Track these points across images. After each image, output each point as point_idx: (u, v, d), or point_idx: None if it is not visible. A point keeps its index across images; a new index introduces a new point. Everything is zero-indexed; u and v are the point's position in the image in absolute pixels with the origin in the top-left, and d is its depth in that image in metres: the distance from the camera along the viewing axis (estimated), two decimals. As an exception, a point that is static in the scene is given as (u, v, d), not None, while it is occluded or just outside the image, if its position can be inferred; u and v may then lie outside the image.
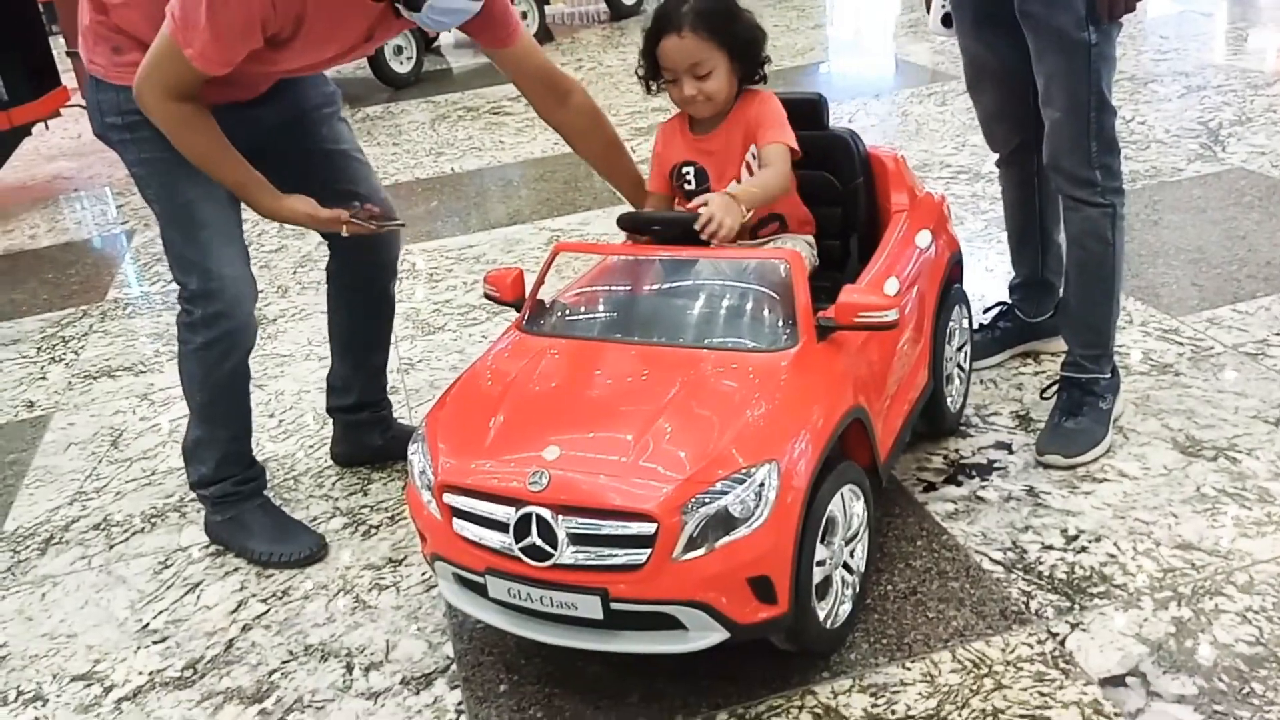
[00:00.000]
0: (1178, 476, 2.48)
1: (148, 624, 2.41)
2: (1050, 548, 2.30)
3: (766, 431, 1.87)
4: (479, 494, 1.90)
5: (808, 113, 2.56)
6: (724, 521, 1.80)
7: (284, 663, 2.24)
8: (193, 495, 2.88)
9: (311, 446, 3.07)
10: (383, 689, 2.13)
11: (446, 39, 8.95)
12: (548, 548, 1.82)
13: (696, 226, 2.13)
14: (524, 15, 8.38)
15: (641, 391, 1.98)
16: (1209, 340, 3.03)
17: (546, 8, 8.67)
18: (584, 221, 4.57)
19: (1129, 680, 1.94)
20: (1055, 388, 2.72)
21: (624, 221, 2.35)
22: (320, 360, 3.59)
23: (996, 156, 2.93)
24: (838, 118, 2.82)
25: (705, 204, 2.13)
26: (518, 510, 1.84)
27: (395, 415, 2.99)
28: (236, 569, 2.56)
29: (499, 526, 1.87)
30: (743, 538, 1.80)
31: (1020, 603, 2.16)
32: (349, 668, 2.20)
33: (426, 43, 7.79)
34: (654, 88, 2.39)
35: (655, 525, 1.78)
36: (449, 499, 1.94)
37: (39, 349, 3.98)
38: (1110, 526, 2.34)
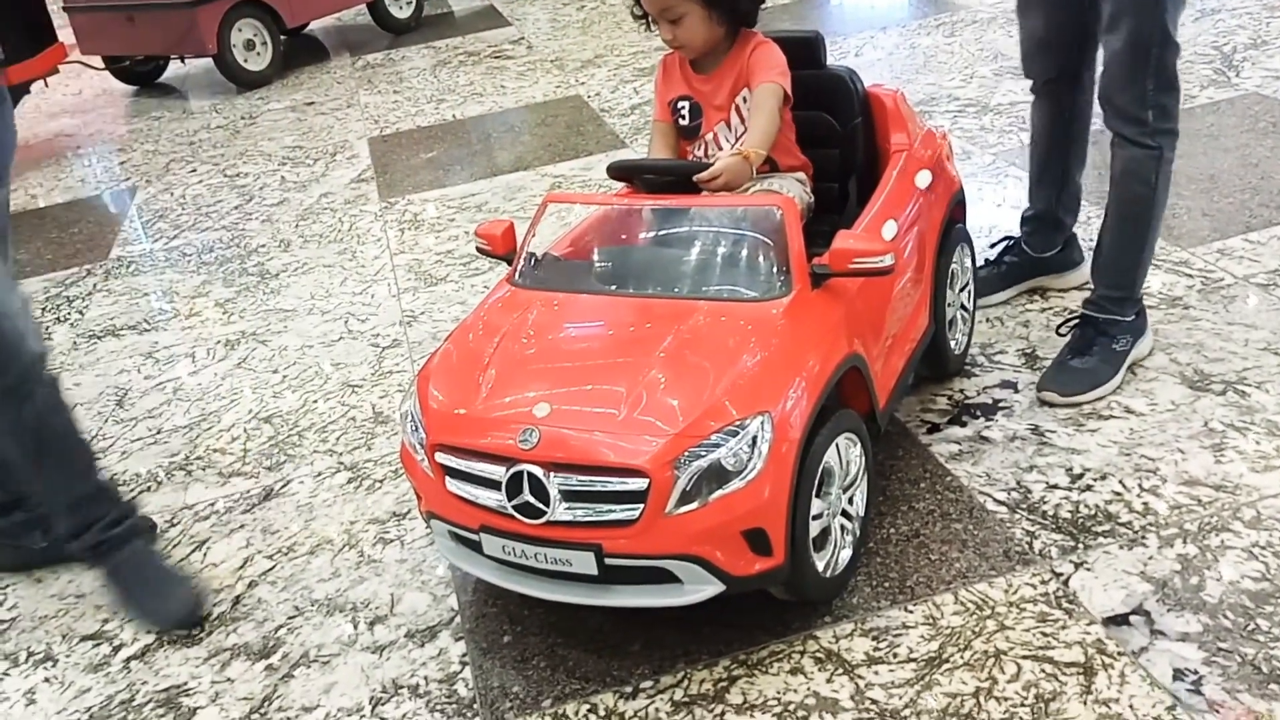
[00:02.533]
0: (1185, 412, 2.45)
1: (155, 583, 2.42)
2: (1055, 487, 2.28)
3: (759, 383, 1.85)
4: (470, 452, 1.89)
5: (804, 52, 2.51)
6: (717, 475, 1.78)
7: (290, 618, 2.25)
8: (199, 453, 2.90)
9: (315, 401, 3.07)
10: (388, 642, 2.14)
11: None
12: (540, 505, 1.82)
13: (703, 176, 2.14)
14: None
15: (633, 344, 1.96)
16: (1219, 272, 2.97)
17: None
18: (586, 167, 4.52)
19: (1133, 619, 1.93)
20: (1072, 323, 2.66)
21: (614, 170, 2.31)
22: (323, 315, 3.58)
23: (1030, 84, 2.83)
24: (844, 52, 2.76)
25: (719, 166, 2.16)
26: (509, 468, 1.83)
27: (395, 370, 2.97)
28: (242, 526, 2.57)
29: (491, 485, 1.87)
30: (736, 491, 1.78)
31: (1024, 543, 2.14)
32: (354, 622, 2.21)
33: (427, -14, 7.68)
34: (649, 24, 2.38)
35: (647, 481, 1.76)
36: (441, 458, 1.93)
37: (44, 309, 3.98)
38: (1116, 464, 2.32)
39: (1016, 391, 2.62)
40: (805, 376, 1.89)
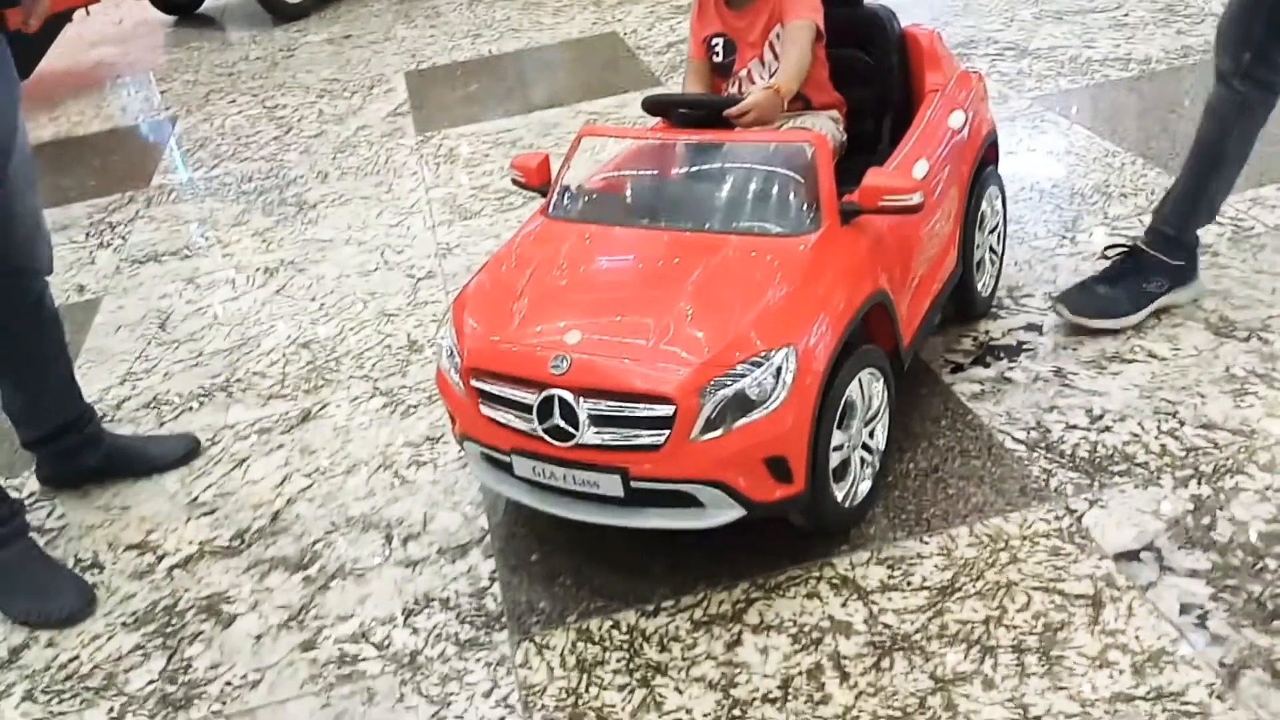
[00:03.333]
0: (1207, 357, 2.47)
1: (197, 497, 2.52)
2: (1074, 427, 2.32)
3: (785, 315, 1.90)
4: (504, 377, 1.95)
5: (842, -12, 2.51)
6: (741, 403, 1.84)
7: (327, 533, 2.34)
8: (239, 375, 2.99)
9: (352, 329, 3.14)
10: (420, 558, 2.23)
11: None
12: (570, 429, 1.88)
13: (733, 111, 2.16)
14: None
15: (662, 276, 2.01)
16: (1250, 220, 2.97)
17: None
18: (621, 104, 4.53)
19: (1143, 555, 1.98)
20: (1120, 249, 2.65)
21: (649, 104, 2.35)
22: (360, 245, 3.65)
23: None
24: (884, -10, 2.74)
25: (751, 102, 2.19)
26: (540, 393, 1.89)
27: (430, 300, 3.02)
28: (281, 446, 2.66)
29: (523, 408, 1.93)
30: (759, 419, 1.84)
31: (1040, 480, 2.19)
32: (388, 538, 2.30)
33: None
34: None
35: (674, 407, 1.82)
36: (475, 383, 2.00)
37: (87, 234, 4.07)
38: (1136, 406, 2.35)
39: (1041, 334, 2.64)
40: (830, 311, 1.93)
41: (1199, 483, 2.12)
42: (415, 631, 2.05)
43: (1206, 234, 2.93)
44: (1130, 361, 2.50)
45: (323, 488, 2.49)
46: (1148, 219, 3.06)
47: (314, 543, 2.32)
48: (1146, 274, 2.57)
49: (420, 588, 2.15)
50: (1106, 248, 2.71)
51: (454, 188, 3.99)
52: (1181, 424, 2.28)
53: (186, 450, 2.63)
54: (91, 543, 2.42)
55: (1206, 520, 2.03)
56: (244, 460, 2.63)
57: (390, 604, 2.13)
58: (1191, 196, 2.55)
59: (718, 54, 2.42)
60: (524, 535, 2.24)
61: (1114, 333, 2.59)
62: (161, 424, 2.82)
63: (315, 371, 2.95)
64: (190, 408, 2.88)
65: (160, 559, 2.34)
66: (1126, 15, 4.59)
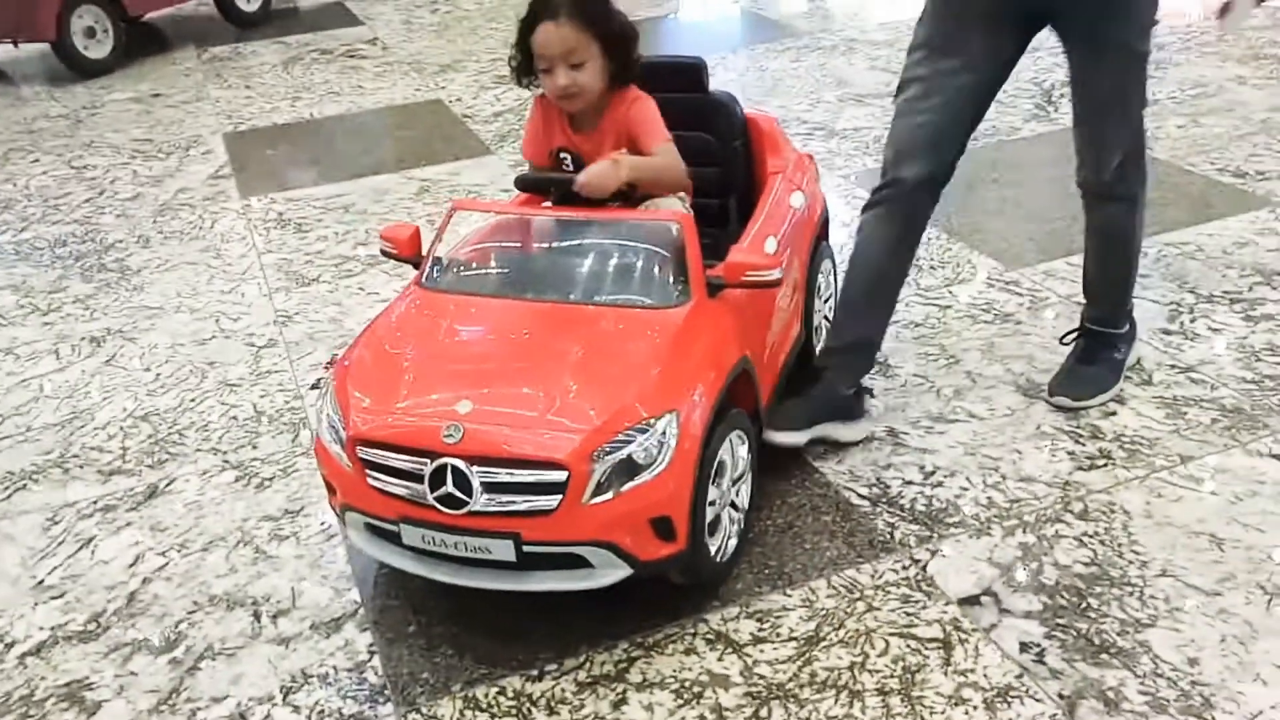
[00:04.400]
0: (1020, 416, 2.74)
1: (42, 580, 2.40)
2: (910, 483, 2.53)
3: (666, 384, 2.02)
4: (394, 447, 1.99)
5: (689, 76, 2.69)
6: (629, 468, 1.94)
7: (190, 613, 2.28)
8: (75, 450, 2.86)
9: (193, 400, 3.06)
10: (293, 634, 2.20)
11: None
12: (463, 496, 1.93)
13: (575, 187, 2.26)
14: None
15: (545, 347, 2.09)
16: (1045, 291, 3.31)
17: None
18: (453, 172, 4.60)
19: (983, 599, 2.17)
20: (1075, 335, 2.84)
21: (522, 183, 2.43)
22: (192, 313, 3.56)
23: (877, 186, 2.55)
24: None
25: (589, 171, 2.28)
26: (433, 462, 1.94)
27: (274, 369, 2.99)
28: (129, 524, 2.57)
29: (413, 477, 1.97)
30: (646, 482, 1.95)
31: (886, 533, 2.37)
32: (256, 615, 2.26)
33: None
34: (526, 82, 2.43)
35: (566, 473, 1.90)
36: (363, 452, 2.02)
37: (-119, 301, 3.80)
38: (962, 463, 2.58)
39: (872, 397, 2.85)
40: (705, 380, 2.07)
41: (1024, 531, 2.35)
42: (296, 710, 2.03)
43: (1008, 304, 3.26)
44: (953, 421, 2.74)
45: (180, 566, 2.42)
46: (958, 289, 3.39)
47: (177, 623, 2.25)
48: (1112, 345, 2.80)
49: (296, 664, 2.13)
50: (1062, 336, 2.89)
51: (288, 253, 3.95)
52: (1004, 478, 2.52)
53: None
54: (-77, 634, 2.27)
55: (1034, 565, 2.26)
56: (90, 539, 2.52)
57: (266, 683, 2.09)
58: (1124, 282, 2.75)
59: (568, 166, 2.48)
60: (398, 606, 2.25)
61: (936, 394, 2.83)
62: (-8, 504, 2.68)
63: (158, 445, 2.86)
64: (23, 486, 2.74)
65: (9, 647, 2.22)
66: (920, 100, 5.00)
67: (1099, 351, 2.80)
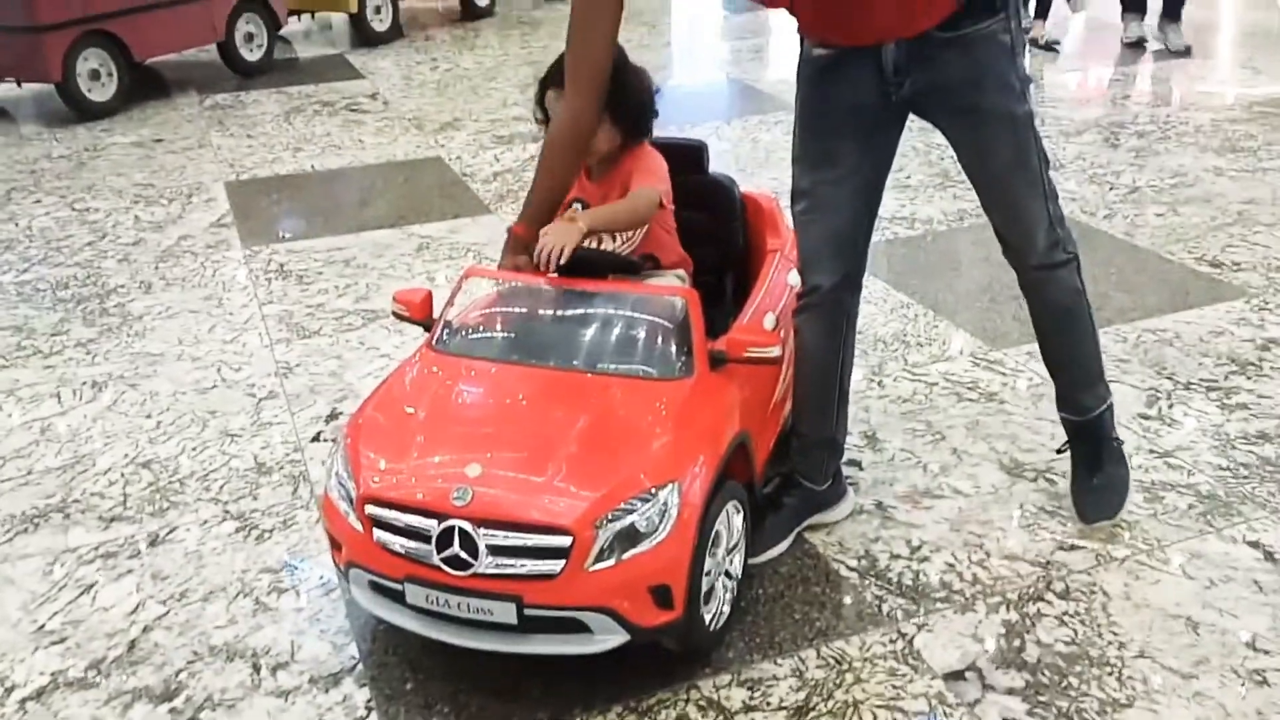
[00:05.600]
0: (1004, 495, 2.82)
1: (43, 625, 2.43)
2: (898, 557, 2.60)
3: (669, 455, 2.10)
4: (402, 507, 2.05)
5: (691, 158, 2.81)
6: (631, 536, 2.01)
7: (189, 663, 2.31)
8: (76, 496, 2.90)
9: (194, 449, 3.11)
10: (292, 688, 2.24)
11: (294, 26, 8.82)
12: (468, 558, 1.99)
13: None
14: (378, 10, 8.36)
15: (554, 413, 2.17)
16: (1028, 372, 3.41)
17: (400, 4, 8.65)
18: (453, 229, 4.69)
19: (967, 675, 2.24)
20: (1065, 445, 2.73)
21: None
22: (194, 361, 3.61)
23: (799, 292, 2.55)
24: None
25: (546, 233, 2.35)
26: (441, 523, 2.00)
27: (275, 421, 3.04)
28: (130, 571, 2.60)
29: (420, 537, 2.03)
30: (647, 550, 2.02)
31: (874, 606, 2.44)
32: (256, 667, 2.30)
33: (276, 28, 7.67)
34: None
35: (571, 538, 1.97)
36: (371, 510, 2.08)
37: (-118, 337, 3.84)
38: (948, 539, 2.66)
39: (861, 469, 2.94)
40: (706, 451, 2.14)
41: (1007, 609, 2.43)
42: (295, 762, 2.07)
43: (993, 383, 3.36)
44: (939, 498, 2.82)
45: (180, 615, 2.46)
46: (944, 366, 3.48)
47: (177, 673, 2.29)
48: (1106, 433, 2.68)
49: (295, 718, 2.17)
50: (1058, 449, 2.80)
51: (289, 304, 4.01)
52: (988, 555, 2.60)
53: None
54: (-76, 675, 2.30)
55: (1017, 643, 2.33)
56: (91, 586, 2.56)
57: (265, 734, 2.13)
58: (1092, 349, 2.62)
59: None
60: (397, 662, 2.29)
61: (923, 470, 2.92)
62: (-7, 546, 2.71)
63: (159, 493, 2.91)
64: (25, 529, 2.77)
65: (9, 691, 2.25)
66: (909, 178, 5.15)
67: (1099, 450, 2.68)
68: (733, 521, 2.27)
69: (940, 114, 2.41)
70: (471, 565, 1.99)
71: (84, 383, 3.49)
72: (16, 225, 4.89)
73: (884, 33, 2.27)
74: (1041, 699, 2.17)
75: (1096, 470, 2.70)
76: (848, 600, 2.46)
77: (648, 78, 2.60)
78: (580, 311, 2.41)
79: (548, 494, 2.01)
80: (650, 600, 2.04)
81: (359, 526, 2.10)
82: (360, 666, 2.29)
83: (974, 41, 2.27)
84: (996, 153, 2.38)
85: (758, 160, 5.53)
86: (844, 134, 2.39)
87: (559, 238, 2.33)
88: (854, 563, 2.58)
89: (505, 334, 2.45)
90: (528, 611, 2.00)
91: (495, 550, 1.99)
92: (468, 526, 1.98)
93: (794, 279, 2.81)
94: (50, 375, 3.54)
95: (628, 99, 2.52)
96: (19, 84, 6.92)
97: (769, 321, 2.57)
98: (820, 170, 2.43)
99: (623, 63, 2.52)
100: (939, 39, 2.26)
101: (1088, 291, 2.58)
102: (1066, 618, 2.39)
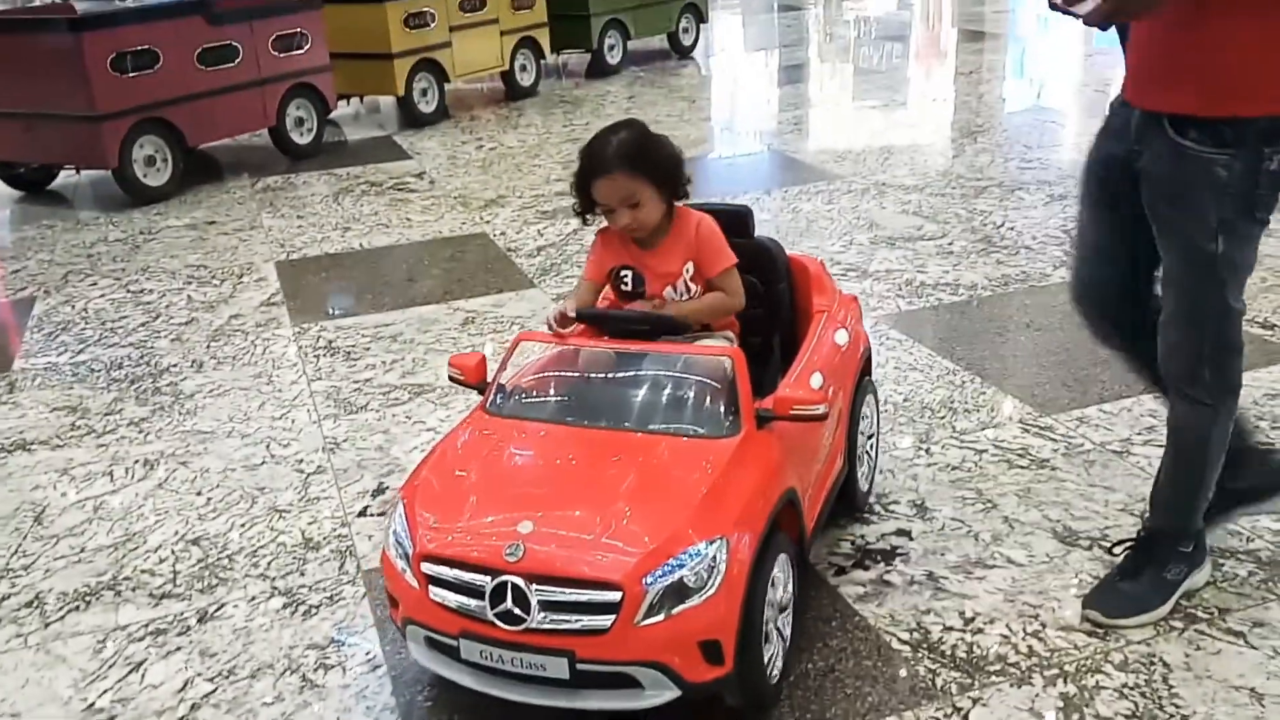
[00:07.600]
0: (1058, 564, 2.76)
1: (93, 703, 2.44)
2: (951, 629, 2.55)
3: (717, 511, 2.11)
4: (457, 563, 2.09)
5: (736, 223, 2.83)
6: (679, 591, 2.03)
7: (237, 741, 2.31)
8: (126, 573, 2.92)
9: (243, 525, 3.13)
10: (338, 766, 2.23)
11: (343, 110, 9.04)
12: (521, 613, 2.02)
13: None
14: (424, 92, 8.56)
15: (603, 472, 2.21)
16: (1079, 438, 3.36)
17: (446, 85, 8.86)
18: (498, 304, 4.74)
19: (1026, 750, 2.18)
20: (1127, 545, 2.65)
21: (584, 317, 2.56)
22: (243, 438, 3.66)
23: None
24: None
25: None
26: (494, 579, 2.04)
27: (322, 496, 3.06)
28: (179, 649, 2.61)
29: (475, 593, 2.06)
30: (696, 606, 2.03)
31: (927, 679, 2.39)
32: (303, 746, 2.29)
33: (325, 112, 7.87)
34: (589, 219, 2.66)
35: (621, 594, 1.99)
36: (426, 568, 2.12)
37: (-57, 419, 3.92)
38: (1002, 609, 2.61)
39: (911, 539, 2.89)
40: (754, 508, 2.16)
41: (1065, 681, 2.36)
42: (342, 842, 2.05)
43: (1043, 450, 3.31)
44: (992, 567, 2.77)
45: (228, 693, 2.46)
46: (993, 432, 3.44)
47: (224, 750, 2.29)
48: (1163, 562, 2.55)
49: (341, 796, 2.15)
50: (1113, 546, 2.72)
51: (336, 380, 4.07)
52: (1044, 626, 2.54)
53: None
54: (-25, 754, 2.31)
55: (1076, 717, 2.26)
56: (141, 663, 2.57)
57: (312, 814, 2.11)
58: (1191, 499, 2.53)
59: (626, 284, 2.64)
60: (443, 739, 2.28)
61: (974, 539, 2.87)
62: (47, 624, 2.73)
63: (208, 570, 2.93)
64: (76, 607, 2.80)
65: (58, 770, 2.26)
66: (951, 244, 5.14)
67: (1146, 567, 2.56)
68: (785, 576, 2.26)
69: (1144, 197, 2.35)
70: (524, 620, 2.02)
71: (136, 461, 3.54)
72: (73, 307, 5.02)
73: (1132, 92, 2.31)
74: (1104, 775, 2.10)
75: (1132, 579, 2.58)
76: (901, 674, 2.41)
77: (669, 141, 2.66)
78: (629, 373, 2.46)
79: (598, 550, 2.04)
80: (700, 655, 2.05)
81: (415, 584, 2.14)
82: (406, 744, 2.27)
83: (1188, 157, 2.20)
84: (1170, 267, 2.34)
85: (799, 229, 5.55)
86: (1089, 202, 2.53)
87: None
88: (906, 635, 2.53)
89: (556, 397, 2.50)
90: (580, 666, 2.01)
91: (547, 605, 2.02)
92: (520, 581, 2.02)
93: (841, 339, 2.82)
94: (104, 454, 3.60)
95: (660, 164, 2.57)
96: (78, 171, 7.16)
97: (816, 380, 2.57)
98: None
99: (644, 133, 2.60)
100: (1165, 130, 2.22)
101: (1219, 452, 2.46)
102: (1126, 690, 2.32)
